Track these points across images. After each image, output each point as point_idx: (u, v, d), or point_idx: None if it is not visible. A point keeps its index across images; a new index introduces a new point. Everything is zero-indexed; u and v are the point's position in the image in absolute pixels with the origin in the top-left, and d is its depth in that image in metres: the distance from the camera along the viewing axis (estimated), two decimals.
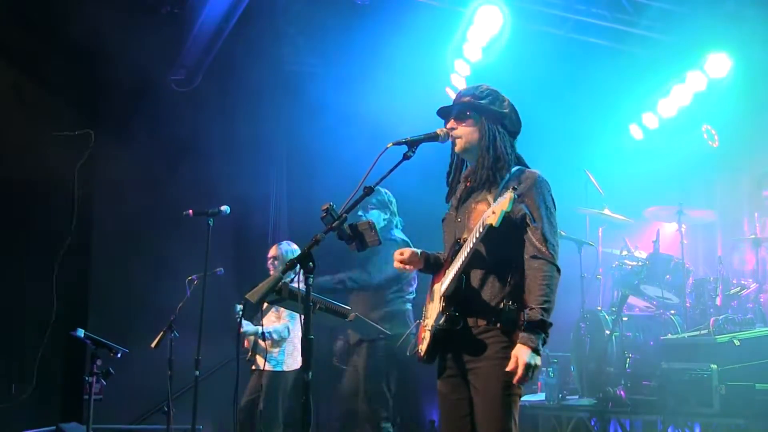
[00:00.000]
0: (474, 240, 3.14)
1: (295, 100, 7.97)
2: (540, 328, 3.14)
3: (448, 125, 3.45)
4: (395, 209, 5.77)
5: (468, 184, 3.46)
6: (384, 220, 5.64)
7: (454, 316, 3.23)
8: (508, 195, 2.96)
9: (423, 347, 3.36)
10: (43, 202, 7.17)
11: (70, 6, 7.18)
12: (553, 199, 3.34)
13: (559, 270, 3.25)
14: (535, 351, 3.11)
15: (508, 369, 3.11)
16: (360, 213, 5.51)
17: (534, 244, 3.23)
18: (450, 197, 3.56)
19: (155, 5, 7.25)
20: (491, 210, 3.02)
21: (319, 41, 7.85)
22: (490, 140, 3.37)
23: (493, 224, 2.99)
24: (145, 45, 7.30)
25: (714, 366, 5.56)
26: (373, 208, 5.62)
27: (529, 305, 3.17)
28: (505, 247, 3.26)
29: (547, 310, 3.16)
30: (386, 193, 5.71)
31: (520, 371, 3.09)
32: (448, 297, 3.25)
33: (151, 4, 7.26)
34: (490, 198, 3.29)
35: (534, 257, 3.22)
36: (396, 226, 5.73)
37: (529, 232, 3.24)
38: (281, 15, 7.69)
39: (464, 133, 3.42)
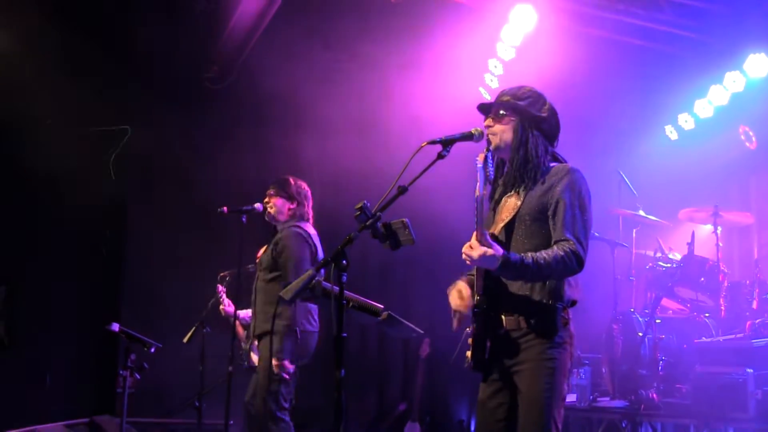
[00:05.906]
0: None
1: (327, 97, 7.97)
2: (516, 263, 3.08)
3: (486, 122, 3.46)
4: (304, 200, 5.55)
5: (501, 183, 3.48)
6: (290, 210, 5.50)
7: (489, 314, 3.22)
8: None
9: (470, 354, 3.32)
10: (77, 198, 7.25)
11: (104, 4, 7.27)
12: (583, 189, 3.29)
13: (579, 259, 3.16)
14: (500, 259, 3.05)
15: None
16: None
17: (558, 231, 3.21)
18: (492, 195, 3.54)
19: (190, 3, 7.31)
20: None
21: (352, 40, 7.85)
22: (521, 142, 3.37)
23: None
24: (179, 42, 7.36)
25: (750, 370, 5.47)
26: (278, 196, 5.48)
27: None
28: (540, 241, 3.24)
29: (537, 266, 3.08)
30: (296, 183, 5.54)
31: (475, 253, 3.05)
32: (481, 296, 3.23)
33: (185, 1, 7.31)
34: (521, 192, 3.33)
35: (557, 242, 3.20)
36: (302, 218, 5.52)
37: (555, 220, 3.23)
38: (315, 13, 7.71)
39: (499, 131, 3.42)
